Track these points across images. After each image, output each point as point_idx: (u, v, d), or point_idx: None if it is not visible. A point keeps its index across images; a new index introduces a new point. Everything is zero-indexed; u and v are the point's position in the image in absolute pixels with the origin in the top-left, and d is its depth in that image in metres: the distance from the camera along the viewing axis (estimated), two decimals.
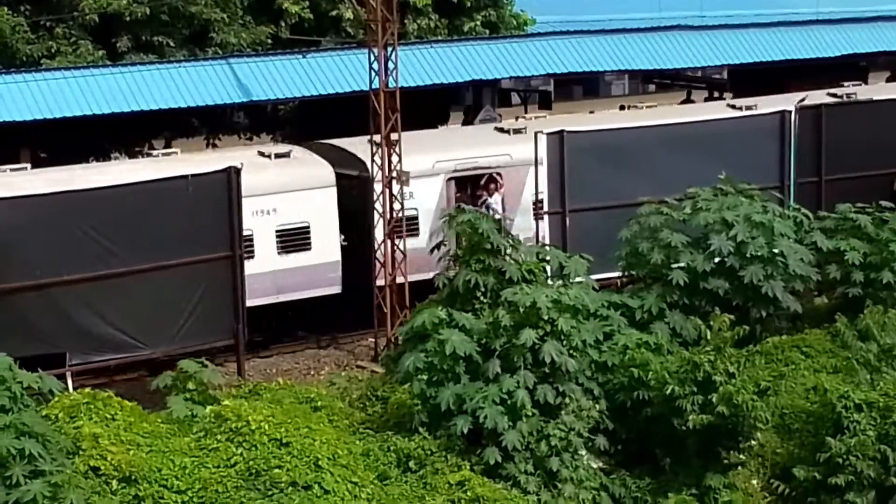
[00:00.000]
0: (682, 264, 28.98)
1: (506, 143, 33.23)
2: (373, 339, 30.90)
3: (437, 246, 28.29)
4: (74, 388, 25.75)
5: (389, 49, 29.76)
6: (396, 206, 30.13)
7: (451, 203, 31.56)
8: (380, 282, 30.35)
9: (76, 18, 36.36)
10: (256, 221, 30.12)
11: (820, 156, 33.97)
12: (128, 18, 36.24)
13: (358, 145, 31.72)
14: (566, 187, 30.90)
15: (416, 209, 31.71)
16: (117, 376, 28.61)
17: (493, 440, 25.23)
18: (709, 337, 26.59)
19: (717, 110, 35.73)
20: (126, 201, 27.23)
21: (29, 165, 30.82)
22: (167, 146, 36.22)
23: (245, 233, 28.77)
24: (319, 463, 23.66)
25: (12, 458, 21.03)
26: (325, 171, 31.45)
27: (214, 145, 40.28)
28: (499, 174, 32.78)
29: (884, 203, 31.68)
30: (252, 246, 29.89)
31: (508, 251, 27.22)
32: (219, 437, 23.84)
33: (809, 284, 30.74)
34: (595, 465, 26.21)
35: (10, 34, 35.71)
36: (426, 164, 31.93)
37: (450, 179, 32.49)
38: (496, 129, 34.68)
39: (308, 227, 31.03)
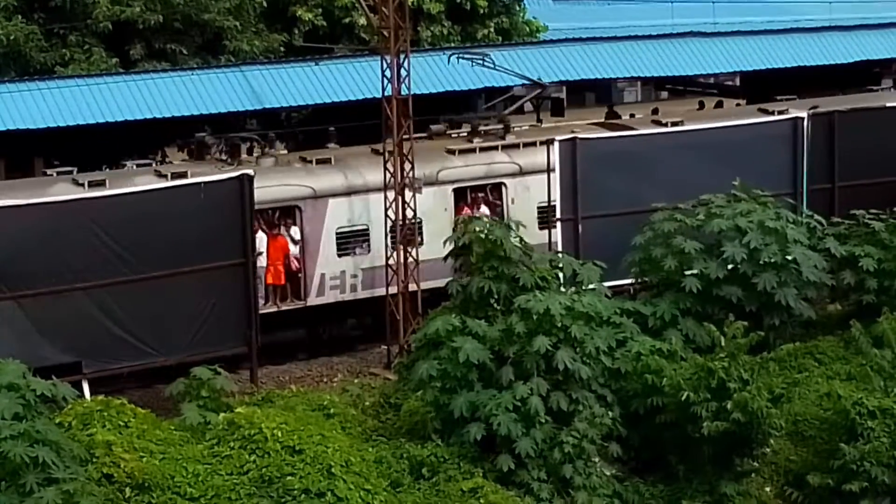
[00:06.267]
0: (695, 271, 28.95)
1: None
2: (385, 347, 30.89)
3: (451, 254, 28.28)
4: (91, 396, 25.78)
5: (402, 56, 29.76)
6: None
7: None
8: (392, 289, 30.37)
9: (89, 26, 36.38)
10: None
11: (833, 162, 33.89)
12: (141, 26, 36.29)
13: None
14: (579, 194, 30.87)
15: None
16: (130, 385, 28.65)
17: (507, 447, 25.23)
18: (723, 343, 26.56)
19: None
20: (139, 208, 27.25)
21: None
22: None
23: None
24: (332, 470, 23.67)
25: (26, 466, 21.08)
26: None
27: None
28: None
29: None
30: None
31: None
32: (232, 444, 23.86)
33: (823, 291, 30.69)
34: (608, 472, 26.20)
35: (24, 42, 35.77)
36: None
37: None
38: None
39: None
